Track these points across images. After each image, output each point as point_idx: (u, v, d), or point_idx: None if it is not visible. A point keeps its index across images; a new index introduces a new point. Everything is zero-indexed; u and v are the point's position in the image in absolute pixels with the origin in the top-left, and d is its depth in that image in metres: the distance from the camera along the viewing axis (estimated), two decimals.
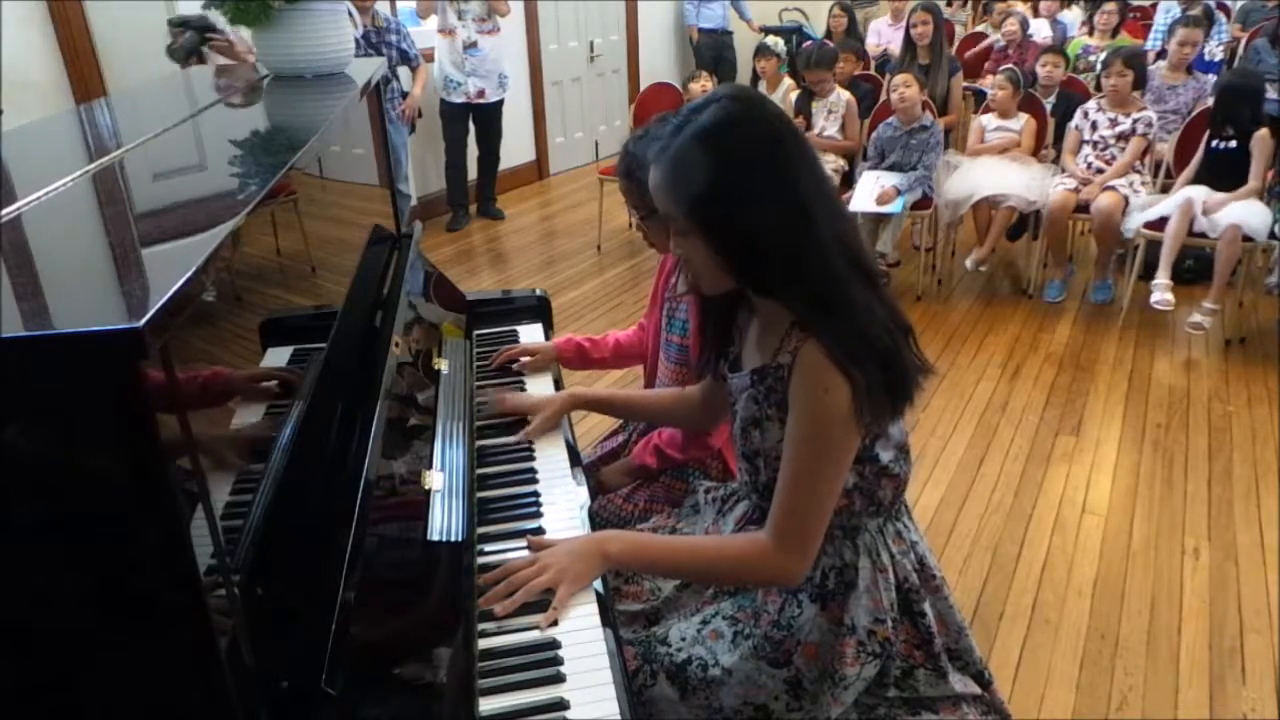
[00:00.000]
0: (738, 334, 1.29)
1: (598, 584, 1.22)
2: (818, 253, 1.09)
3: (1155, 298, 3.65)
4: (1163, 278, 3.67)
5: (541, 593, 1.18)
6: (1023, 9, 5.94)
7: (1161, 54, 4.78)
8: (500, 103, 5.26)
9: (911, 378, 1.13)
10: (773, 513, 1.18)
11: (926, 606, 1.24)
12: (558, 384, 1.82)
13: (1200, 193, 3.62)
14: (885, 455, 1.19)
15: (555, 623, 1.15)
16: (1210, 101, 4.11)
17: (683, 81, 4.90)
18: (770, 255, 1.09)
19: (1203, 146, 3.80)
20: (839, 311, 1.09)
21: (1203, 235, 3.62)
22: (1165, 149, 4.15)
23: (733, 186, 1.07)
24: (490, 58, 5.07)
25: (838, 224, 1.13)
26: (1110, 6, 5.61)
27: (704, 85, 4.75)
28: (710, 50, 7.19)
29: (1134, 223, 3.77)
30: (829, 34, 6.34)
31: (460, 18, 4.94)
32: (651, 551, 1.27)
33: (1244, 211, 3.52)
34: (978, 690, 1.27)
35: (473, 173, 5.49)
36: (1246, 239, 3.52)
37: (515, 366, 1.84)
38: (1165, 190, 3.97)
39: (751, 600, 1.29)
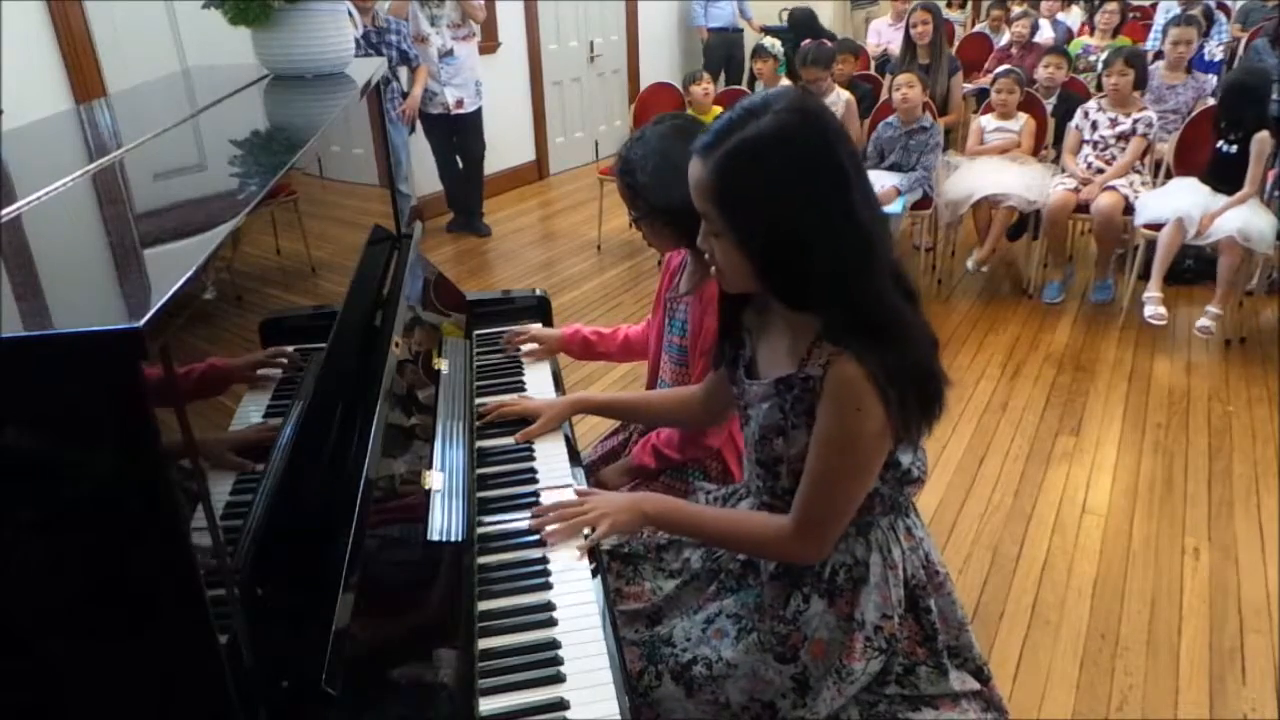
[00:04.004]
0: (748, 336, 1.28)
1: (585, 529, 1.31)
2: (868, 273, 1.07)
3: (1148, 312, 3.65)
4: (1154, 290, 3.67)
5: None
6: (1030, 10, 5.92)
7: (1160, 54, 4.78)
8: (479, 111, 5.05)
9: (942, 395, 1.13)
10: (797, 503, 1.19)
11: (931, 603, 1.25)
12: (557, 380, 1.82)
13: (1196, 209, 3.59)
14: (905, 459, 1.20)
15: (592, 549, 1.28)
16: (1211, 101, 4.11)
17: (683, 82, 4.86)
18: (814, 273, 1.06)
19: (1212, 148, 3.79)
20: (883, 333, 1.07)
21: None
22: (1165, 149, 4.14)
23: (778, 202, 1.04)
24: (467, 65, 4.90)
25: (885, 241, 1.11)
26: (1111, 6, 5.62)
27: (705, 88, 4.72)
28: (720, 49, 7.15)
29: (1141, 215, 3.76)
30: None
31: (434, 24, 4.76)
32: (682, 517, 1.34)
33: (1243, 219, 3.50)
34: (976, 686, 1.27)
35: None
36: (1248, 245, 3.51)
37: (524, 351, 1.87)
38: None
39: (756, 596, 1.29)
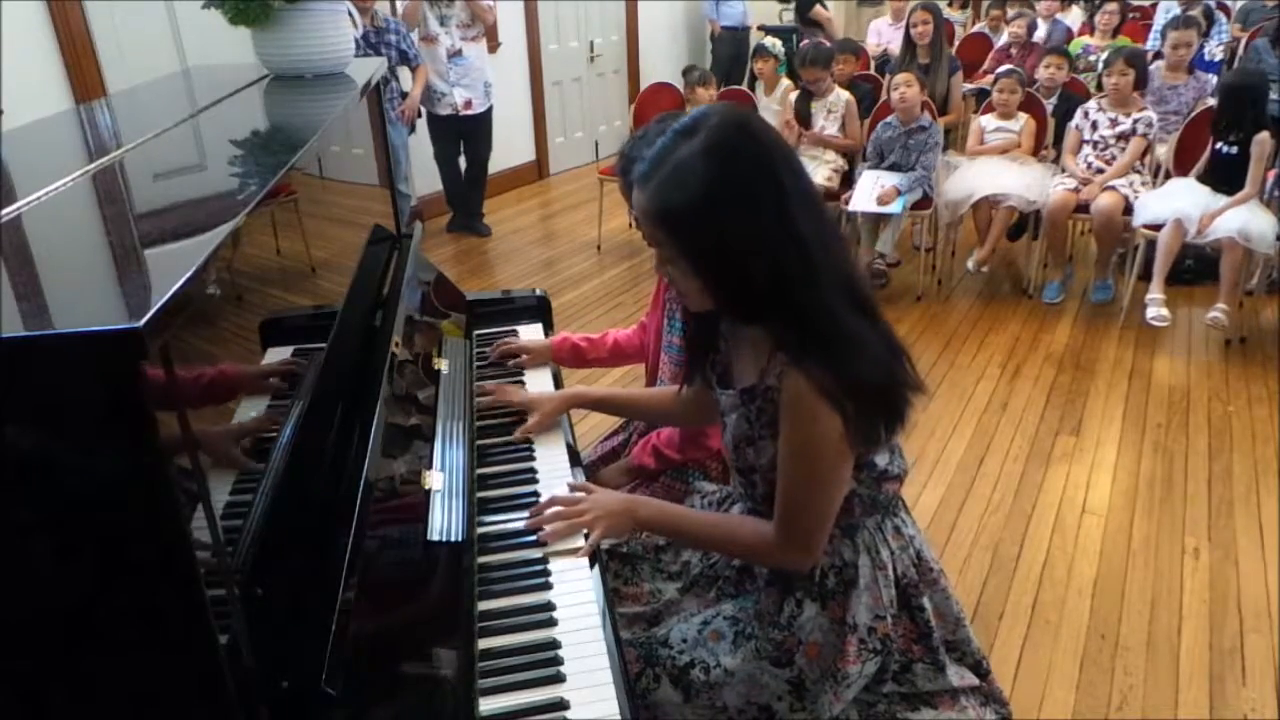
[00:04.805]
0: (723, 343, 1.29)
1: (583, 536, 1.31)
2: (812, 287, 1.07)
3: (1150, 314, 3.65)
4: (1156, 292, 3.67)
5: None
6: (1026, 10, 5.92)
7: (1160, 54, 4.78)
8: (489, 111, 5.05)
9: (905, 404, 1.12)
10: (776, 513, 1.19)
11: (925, 601, 1.25)
12: (557, 380, 1.82)
13: (1196, 209, 3.59)
14: (881, 460, 1.20)
15: (591, 553, 1.29)
16: (1211, 101, 4.11)
17: (684, 79, 4.82)
18: (760, 287, 1.06)
19: (1209, 149, 3.79)
20: (830, 346, 1.07)
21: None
22: (1164, 152, 4.13)
23: (718, 218, 1.05)
24: (476, 66, 4.89)
25: (833, 254, 1.11)
26: (1111, 7, 5.61)
27: (711, 94, 4.70)
28: (730, 47, 7.17)
29: (1140, 215, 3.76)
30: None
31: (443, 24, 4.75)
32: (675, 525, 1.34)
33: (1242, 219, 3.50)
34: (975, 681, 1.28)
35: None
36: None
37: (512, 364, 1.84)
38: None
39: (754, 602, 1.29)
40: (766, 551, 1.23)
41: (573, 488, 1.42)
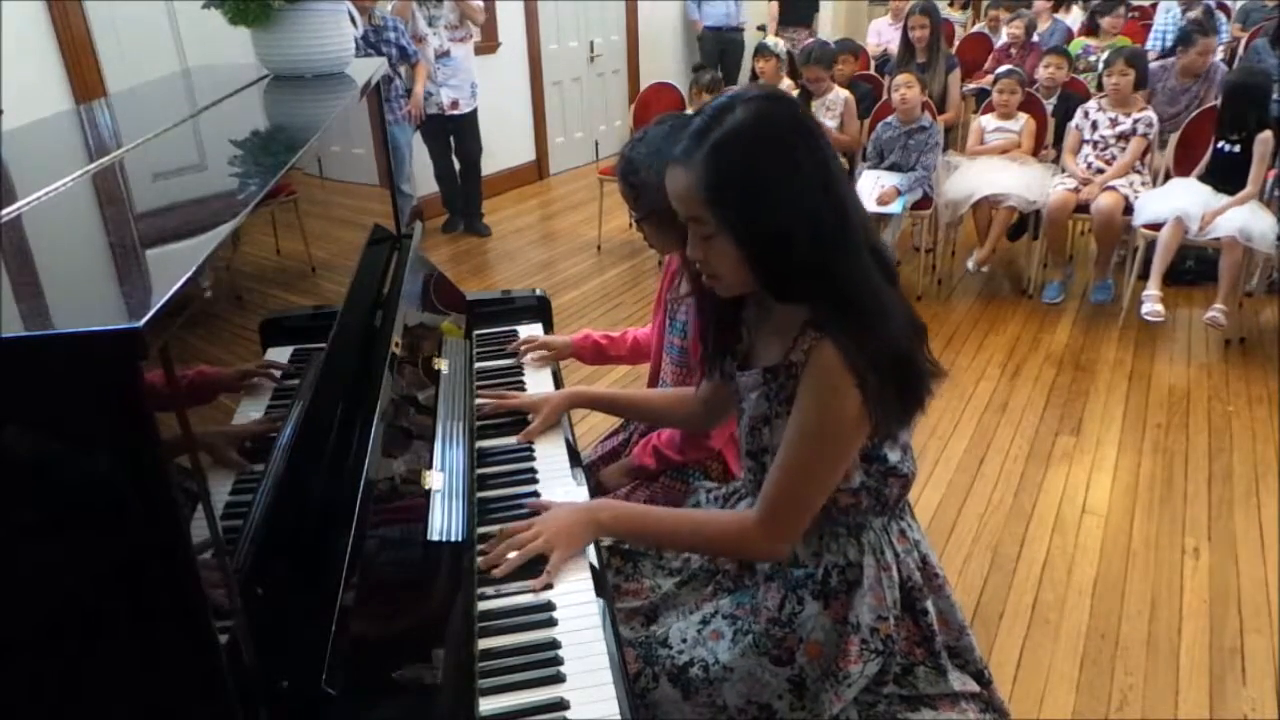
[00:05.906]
0: (745, 330, 1.29)
1: (592, 557, 1.27)
2: (851, 252, 1.09)
3: (1145, 309, 3.65)
4: (1153, 288, 3.67)
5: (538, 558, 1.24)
6: (1024, 11, 5.92)
7: (1161, 54, 4.77)
8: (474, 112, 5.07)
9: (924, 383, 1.13)
10: (764, 494, 1.19)
11: (929, 605, 1.25)
12: (557, 380, 1.82)
13: (1196, 207, 3.59)
14: (893, 455, 1.19)
15: (549, 586, 1.21)
16: (1213, 99, 4.10)
17: (698, 86, 4.77)
18: (803, 255, 1.07)
19: (1210, 148, 3.79)
20: (862, 313, 1.08)
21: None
22: (1164, 157, 4.12)
23: (772, 188, 1.06)
24: (463, 66, 4.91)
25: (866, 221, 1.14)
26: (1119, 11, 5.60)
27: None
28: (714, 45, 7.17)
29: (1140, 215, 3.76)
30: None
31: (431, 25, 4.77)
32: (640, 521, 1.31)
33: (1243, 218, 3.50)
34: (976, 688, 1.27)
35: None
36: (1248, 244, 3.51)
37: (527, 361, 1.85)
38: None
39: (751, 597, 1.29)
40: (741, 537, 1.21)
41: (528, 506, 1.35)
